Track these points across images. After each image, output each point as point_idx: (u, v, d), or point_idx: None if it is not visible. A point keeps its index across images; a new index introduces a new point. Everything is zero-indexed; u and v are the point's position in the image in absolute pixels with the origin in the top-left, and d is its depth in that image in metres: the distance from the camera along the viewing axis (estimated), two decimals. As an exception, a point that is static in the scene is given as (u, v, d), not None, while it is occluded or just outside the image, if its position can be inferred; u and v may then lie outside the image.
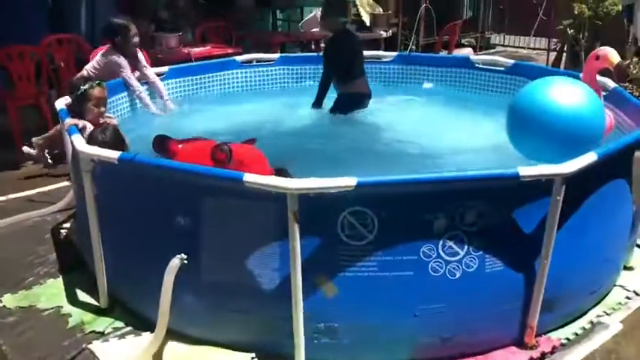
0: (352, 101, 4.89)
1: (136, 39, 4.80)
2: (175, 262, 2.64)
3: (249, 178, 2.39)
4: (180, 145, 3.38)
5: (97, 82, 3.79)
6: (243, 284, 2.63)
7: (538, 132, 3.35)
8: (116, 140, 3.24)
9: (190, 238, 2.68)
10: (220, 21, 7.75)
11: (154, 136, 3.48)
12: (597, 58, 3.81)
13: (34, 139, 4.67)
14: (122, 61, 4.72)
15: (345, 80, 4.86)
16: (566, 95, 3.34)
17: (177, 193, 2.71)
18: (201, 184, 2.62)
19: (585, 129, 3.31)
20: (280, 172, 3.08)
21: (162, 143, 3.41)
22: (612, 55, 3.73)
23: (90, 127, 3.50)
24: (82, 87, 3.68)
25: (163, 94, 4.93)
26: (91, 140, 3.16)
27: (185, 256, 2.64)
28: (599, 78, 4.16)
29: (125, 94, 4.77)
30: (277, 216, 2.46)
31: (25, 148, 4.76)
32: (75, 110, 3.71)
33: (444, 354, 2.71)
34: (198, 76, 5.33)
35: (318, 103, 4.94)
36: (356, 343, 2.64)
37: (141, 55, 4.97)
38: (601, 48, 3.92)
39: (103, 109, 3.78)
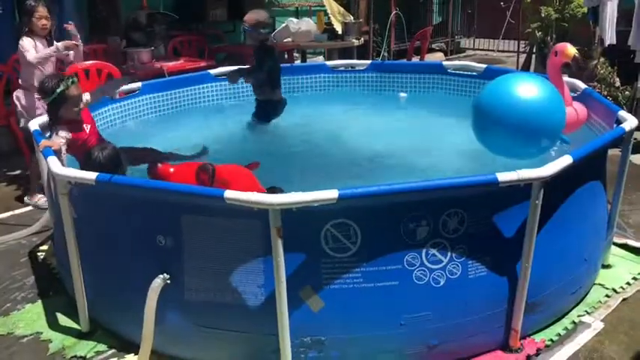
0: (279, 107, 5.04)
1: (44, 22, 4.52)
2: (157, 283, 2.61)
3: (229, 194, 2.37)
4: (171, 169, 3.35)
5: (71, 79, 3.53)
6: (227, 302, 2.60)
7: (495, 124, 3.47)
8: (114, 161, 3.16)
9: (172, 257, 2.65)
10: (192, 34, 7.72)
11: (148, 164, 3.42)
12: (556, 54, 4.00)
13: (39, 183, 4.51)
14: (25, 42, 4.46)
15: (273, 87, 4.99)
16: (519, 89, 3.45)
17: (158, 212, 2.67)
18: (181, 202, 2.59)
19: (540, 116, 3.40)
20: (274, 191, 3.04)
21: (152, 169, 3.35)
22: (569, 49, 3.93)
23: (65, 149, 3.42)
24: (57, 90, 3.43)
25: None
26: (88, 159, 3.12)
27: (167, 276, 2.61)
28: (569, 79, 4.29)
29: (111, 106, 4.65)
30: (260, 232, 2.45)
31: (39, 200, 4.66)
32: (52, 112, 3.52)
33: (431, 362, 2.72)
34: (172, 91, 5.28)
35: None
36: (344, 355, 2.63)
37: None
38: (558, 44, 4.09)
39: (81, 106, 3.60)
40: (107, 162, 3.10)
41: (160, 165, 3.34)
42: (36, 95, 4.58)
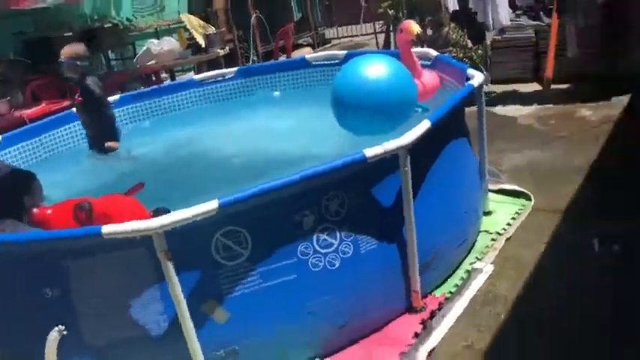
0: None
1: None
2: (53, 336, 2.50)
3: (107, 229, 2.32)
4: (49, 211, 3.17)
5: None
6: (131, 336, 2.54)
7: (349, 108, 3.58)
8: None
9: (62, 306, 2.55)
10: (48, 76, 7.37)
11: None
12: (401, 31, 4.14)
13: None
14: None
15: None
16: (366, 71, 3.57)
17: (35, 264, 2.55)
18: (59, 248, 2.50)
19: (391, 92, 3.54)
20: (158, 212, 2.98)
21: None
22: (412, 27, 4.06)
23: None
24: None
25: None
26: None
27: (63, 327, 2.50)
28: (421, 49, 4.53)
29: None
30: (148, 259, 2.41)
31: None
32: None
33: (345, 341, 2.81)
34: (38, 137, 5.01)
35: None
36: (261, 358, 2.66)
37: None
38: (404, 21, 4.28)
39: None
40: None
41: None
42: None
